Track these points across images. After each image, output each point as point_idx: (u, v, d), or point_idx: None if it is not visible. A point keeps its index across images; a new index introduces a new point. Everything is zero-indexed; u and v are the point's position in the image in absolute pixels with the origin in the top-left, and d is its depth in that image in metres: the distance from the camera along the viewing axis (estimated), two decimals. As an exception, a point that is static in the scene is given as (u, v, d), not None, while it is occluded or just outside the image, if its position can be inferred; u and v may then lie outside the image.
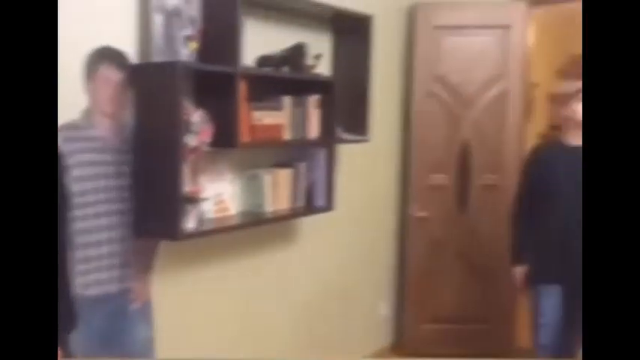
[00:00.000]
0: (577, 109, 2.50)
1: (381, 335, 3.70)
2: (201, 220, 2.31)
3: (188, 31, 2.13)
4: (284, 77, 2.53)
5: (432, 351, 3.60)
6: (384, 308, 3.70)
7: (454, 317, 3.70)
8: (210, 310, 2.56)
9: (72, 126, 1.93)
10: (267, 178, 2.57)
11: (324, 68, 2.88)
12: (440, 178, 3.61)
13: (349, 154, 3.18)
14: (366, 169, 3.39)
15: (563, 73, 6.32)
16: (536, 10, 3.71)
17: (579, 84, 2.19)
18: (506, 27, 3.51)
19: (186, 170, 2.19)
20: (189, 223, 2.19)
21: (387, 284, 3.72)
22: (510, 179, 3.29)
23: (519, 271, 2.74)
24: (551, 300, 2.60)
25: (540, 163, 2.68)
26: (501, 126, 3.56)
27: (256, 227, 2.61)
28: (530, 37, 3.71)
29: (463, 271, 3.67)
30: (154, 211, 2.04)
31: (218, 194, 2.46)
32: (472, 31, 3.50)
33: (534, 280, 2.68)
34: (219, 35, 2.20)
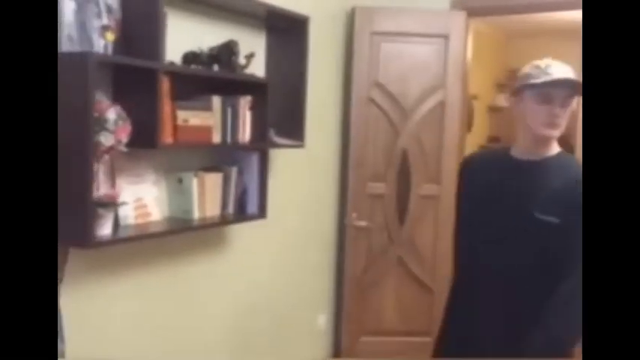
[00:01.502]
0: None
1: (318, 348, 3.58)
2: (118, 226, 2.15)
3: (104, 21, 1.98)
4: (213, 76, 2.40)
5: (371, 364, 3.51)
6: (322, 320, 3.58)
7: (394, 330, 3.63)
8: (132, 323, 2.38)
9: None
10: (194, 181, 2.43)
11: (258, 69, 2.77)
12: (379, 187, 3.55)
13: (284, 160, 3.08)
14: (303, 176, 3.29)
15: (501, 87, 6.46)
16: (474, 20, 3.73)
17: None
18: (445, 36, 3.50)
19: (100, 171, 2.04)
20: (104, 230, 2.02)
21: (326, 295, 3.61)
22: (450, 190, 3.26)
23: None
24: None
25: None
26: (440, 136, 3.53)
27: (182, 234, 2.45)
28: (470, 48, 3.72)
29: (403, 282, 3.61)
30: (62, 215, 1.86)
31: (139, 198, 2.29)
32: (411, 39, 3.47)
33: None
34: (139, 27, 2.05)
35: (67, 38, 1.89)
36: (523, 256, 1.72)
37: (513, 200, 1.76)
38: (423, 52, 3.49)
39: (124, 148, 2.00)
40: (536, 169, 1.77)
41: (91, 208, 1.89)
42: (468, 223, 1.92)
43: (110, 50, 2.01)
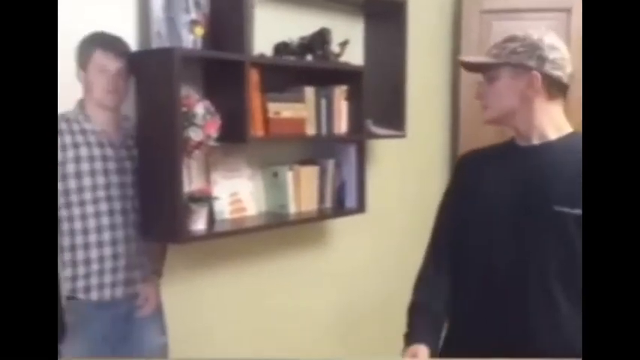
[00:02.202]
0: None
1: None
2: (213, 221, 2.15)
3: (192, 15, 1.97)
4: (305, 66, 2.32)
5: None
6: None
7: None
8: (230, 318, 2.39)
9: (63, 118, 1.81)
10: (290, 175, 2.37)
11: (354, 57, 2.65)
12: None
13: (385, 151, 2.93)
14: (406, 167, 3.12)
15: None
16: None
17: None
18: (567, 10, 3.14)
19: (193, 167, 2.05)
20: (198, 225, 2.03)
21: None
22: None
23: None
24: None
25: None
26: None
27: (278, 229, 2.41)
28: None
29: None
30: (158, 211, 1.90)
31: (234, 193, 2.28)
32: (526, 15, 3.15)
33: None
34: (227, 20, 2.03)
35: (156, 35, 1.91)
36: (544, 256, 1.35)
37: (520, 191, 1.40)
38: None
39: (214, 143, 1.99)
40: (538, 154, 1.40)
41: (182, 204, 1.89)
42: (467, 221, 1.49)
43: (199, 45, 2.00)
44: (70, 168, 1.78)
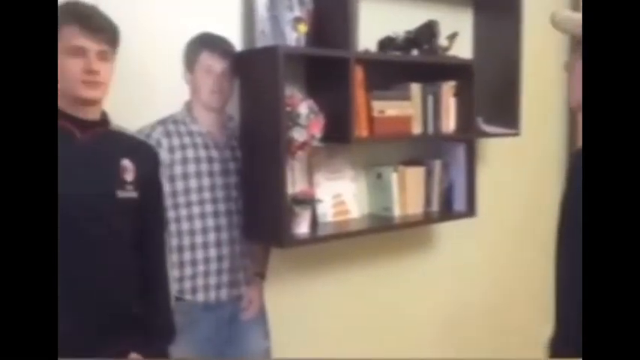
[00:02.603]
0: None
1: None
2: (316, 224, 2.09)
3: (296, 13, 1.93)
4: (411, 61, 2.20)
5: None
6: (550, 330, 3.14)
7: None
8: (334, 321, 2.32)
9: (172, 120, 1.82)
10: (394, 176, 2.27)
11: (464, 50, 2.49)
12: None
13: (497, 151, 2.74)
14: (520, 168, 2.90)
15: None
16: None
17: None
18: None
19: (296, 168, 2.00)
20: (302, 228, 1.98)
21: (552, 302, 3.15)
22: None
23: None
24: None
25: None
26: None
27: (382, 233, 2.31)
28: None
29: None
30: (261, 213, 1.87)
31: (337, 195, 2.21)
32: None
33: None
34: (331, 16, 1.96)
35: (261, 33, 1.88)
36: None
37: None
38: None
39: (318, 143, 1.93)
40: None
41: (286, 206, 1.85)
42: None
43: (303, 43, 1.95)
44: (178, 170, 1.79)
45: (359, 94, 2.00)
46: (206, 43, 1.81)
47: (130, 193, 1.51)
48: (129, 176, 1.51)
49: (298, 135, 1.86)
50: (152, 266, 1.62)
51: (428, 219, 2.38)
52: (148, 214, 1.59)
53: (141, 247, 1.57)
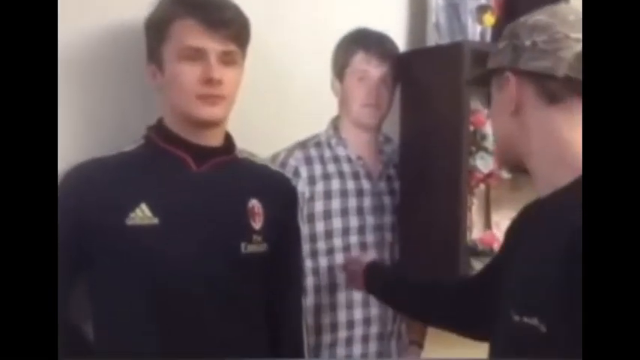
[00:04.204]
0: None
1: None
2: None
3: (482, 0, 1.44)
4: None
5: None
6: None
7: None
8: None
9: (314, 141, 1.42)
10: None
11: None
12: None
13: None
14: None
15: None
16: None
17: None
18: None
19: (474, 207, 1.51)
20: (477, 286, 1.48)
21: None
22: None
23: None
24: None
25: None
26: None
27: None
28: None
29: None
30: (425, 265, 1.43)
31: (521, 242, 1.68)
32: None
33: None
34: (530, 1, 1.45)
35: (433, 27, 1.42)
36: None
37: None
38: None
39: (506, 175, 1.43)
40: None
41: (464, 259, 1.36)
42: None
43: (489, 38, 1.46)
44: (319, 206, 1.39)
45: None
46: (361, 42, 1.38)
47: (258, 247, 1.12)
48: (257, 222, 1.12)
49: (483, 164, 1.37)
50: (284, 339, 1.25)
51: None
52: (280, 272, 1.21)
53: (270, 314, 1.19)
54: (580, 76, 0.76)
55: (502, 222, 1.66)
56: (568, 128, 0.80)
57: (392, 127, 1.47)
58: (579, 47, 0.77)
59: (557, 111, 0.80)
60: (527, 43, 0.82)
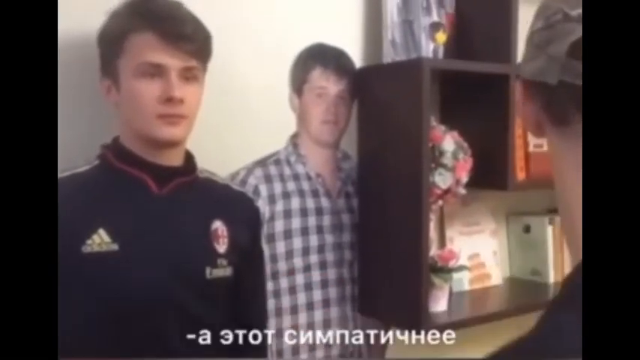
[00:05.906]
0: None
1: None
2: (451, 296, 1.58)
3: (434, 17, 1.45)
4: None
5: None
6: None
7: None
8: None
9: (273, 159, 1.37)
10: (548, 230, 1.73)
11: None
12: None
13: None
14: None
15: None
16: None
17: None
18: None
19: (431, 224, 1.50)
20: (440, 305, 1.48)
21: None
22: None
23: None
24: None
25: None
26: None
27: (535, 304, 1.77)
28: None
29: None
30: (386, 283, 1.41)
31: (474, 255, 1.70)
32: None
33: None
34: (480, 21, 1.48)
35: (390, 44, 1.41)
36: None
37: None
38: None
39: (462, 191, 1.43)
40: None
41: (423, 279, 1.35)
42: None
43: (440, 55, 1.47)
44: (279, 226, 1.34)
45: (517, 124, 1.49)
46: (319, 57, 1.36)
47: (223, 271, 1.06)
48: (222, 245, 1.06)
49: (441, 180, 1.37)
50: None
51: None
52: (246, 297, 1.14)
53: (232, 346, 1.12)
54: (578, 81, 0.49)
55: (455, 237, 1.68)
56: (567, 167, 0.54)
57: (350, 144, 1.46)
58: (579, 31, 0.48)
59: (566, 139, 0.53)
60: (528, 35, 0.58)
